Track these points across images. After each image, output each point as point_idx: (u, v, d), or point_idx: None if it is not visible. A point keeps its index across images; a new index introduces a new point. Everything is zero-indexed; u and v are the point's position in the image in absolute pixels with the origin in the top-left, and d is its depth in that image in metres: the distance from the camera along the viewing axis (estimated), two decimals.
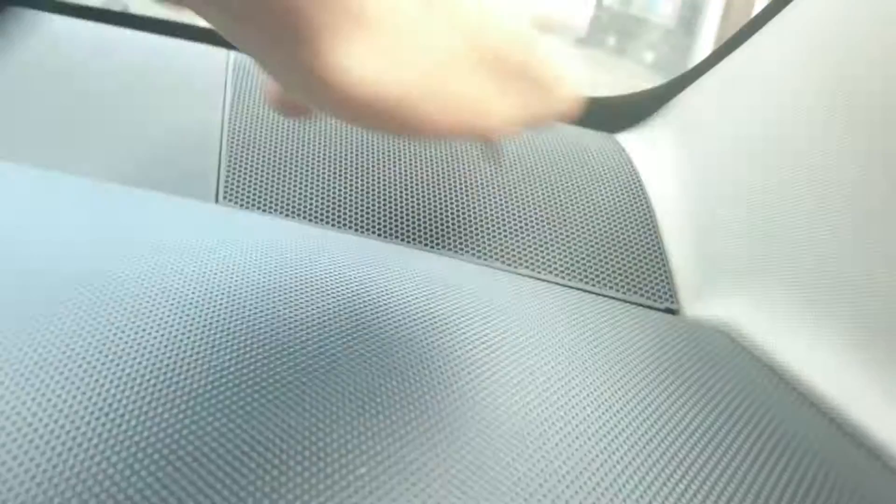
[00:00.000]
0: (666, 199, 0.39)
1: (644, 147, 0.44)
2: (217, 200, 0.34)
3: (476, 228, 0.37)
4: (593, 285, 0.36)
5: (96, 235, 0.25)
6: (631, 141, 0.45)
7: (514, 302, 0.29)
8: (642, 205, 0.39)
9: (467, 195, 0.38)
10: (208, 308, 0.22)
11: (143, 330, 0.20)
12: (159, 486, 0.15)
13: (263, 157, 0.36)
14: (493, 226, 0.37)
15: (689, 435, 0.22)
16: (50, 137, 0.34)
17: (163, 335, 0.20)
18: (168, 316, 0.21)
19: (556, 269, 0.36)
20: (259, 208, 0.34)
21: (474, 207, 0.38)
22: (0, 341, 0.18)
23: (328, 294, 0.25)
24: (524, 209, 0.38)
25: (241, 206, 0.34)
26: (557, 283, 0.35)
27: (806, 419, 0.25)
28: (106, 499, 0.15)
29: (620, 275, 0.36)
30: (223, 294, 0.23)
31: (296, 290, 0.25)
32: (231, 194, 0.35)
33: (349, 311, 0.24)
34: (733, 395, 0.25)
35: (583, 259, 0.37)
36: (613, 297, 0.35)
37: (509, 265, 0.36)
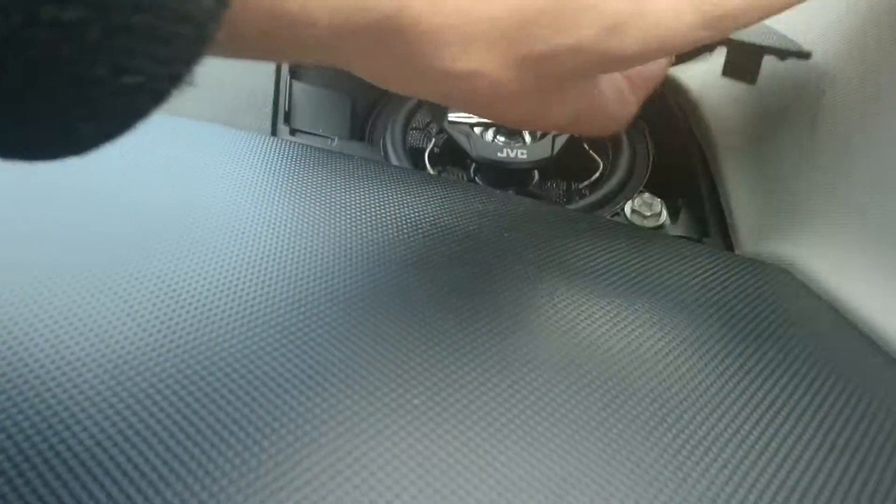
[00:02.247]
0: (727, 132, 0.38)
1: (702, 76, 0.42)
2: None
3: None
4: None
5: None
6: (688, 73, 0.44)
7: (571, 239, 0.29)
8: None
9: None
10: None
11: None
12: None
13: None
14: None
15: (745, 372, 0.23)
16: None
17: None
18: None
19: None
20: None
21: None
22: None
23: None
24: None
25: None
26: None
27: (875, 364, 0.25)
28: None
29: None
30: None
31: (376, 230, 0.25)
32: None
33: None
34: (795, 337, 0.26)
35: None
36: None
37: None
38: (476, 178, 0.42)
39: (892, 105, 0.28)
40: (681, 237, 0.36)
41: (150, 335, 0.19)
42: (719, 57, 0.42)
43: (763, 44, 0.32)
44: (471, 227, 0.27)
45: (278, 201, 0.26)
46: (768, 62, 0.38)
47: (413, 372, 0.19)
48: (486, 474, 0.16)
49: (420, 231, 0.26)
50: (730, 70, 0.33)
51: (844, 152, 0.30)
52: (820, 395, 0.23)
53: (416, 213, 0.27)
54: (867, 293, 0.27)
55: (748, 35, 0.32)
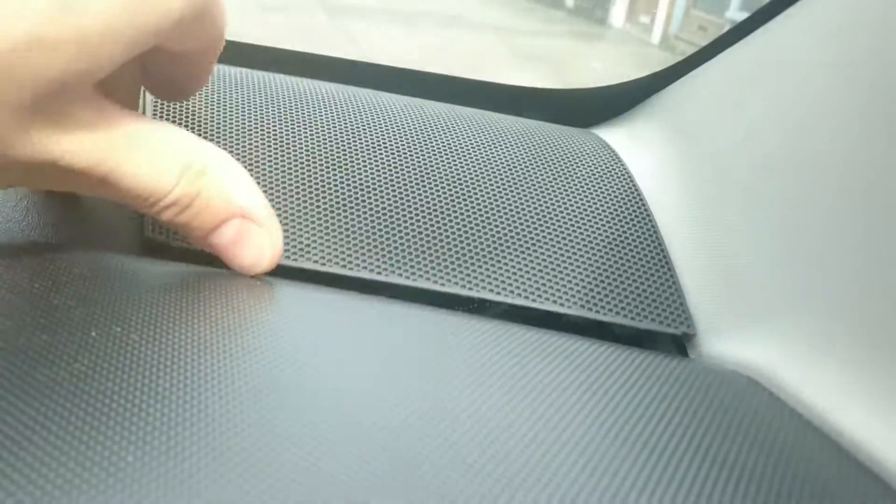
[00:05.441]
0: (666, 210, 0.35)
1: (627, 143, 0.39)
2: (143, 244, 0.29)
3: (457, 253, 0.32)
4: (595, 310, 0.31)
5: None
6: (610, 136, 0.40)
7: (507, 360, 0.24)
8: (643, 216, 0.35)
9: (440, 216, 0.33)
10: None
11: None
12: None
13: None
14: (474, 248, 0.32)
15: None
16: None
17: None
18: None
19: (552, 295, 0.32)
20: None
21: (451, 229, 0.32)
22: None
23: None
24: (507, 226, 0.33)
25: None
26: (556, 311, 0.31)
27: (868, 492, 0.22)
28: None
29: (624, 297, 0.32)
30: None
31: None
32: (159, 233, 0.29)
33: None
34: (773, 460, 0.22)
35: (581, 281, 0.32)
36: (618, 323, 0.31)
37: (499, 294, 0.31)
38: None
39: (862, 194, 0.25)
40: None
41: None
42: (645, 116, 0.39)
43: None
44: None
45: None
46: (703, 138, 0.35)
47: None
48: None
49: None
50: None
51: (818, 235, 0.26)
52: None
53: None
54: (853, 410, 0.24)
55: None
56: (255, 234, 0.21)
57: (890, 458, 0.23)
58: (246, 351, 0.21)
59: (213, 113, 0.34)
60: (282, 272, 0.27)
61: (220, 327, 0.23)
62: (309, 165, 0.33)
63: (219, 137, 0.33)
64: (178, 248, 0.29)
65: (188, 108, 0.33)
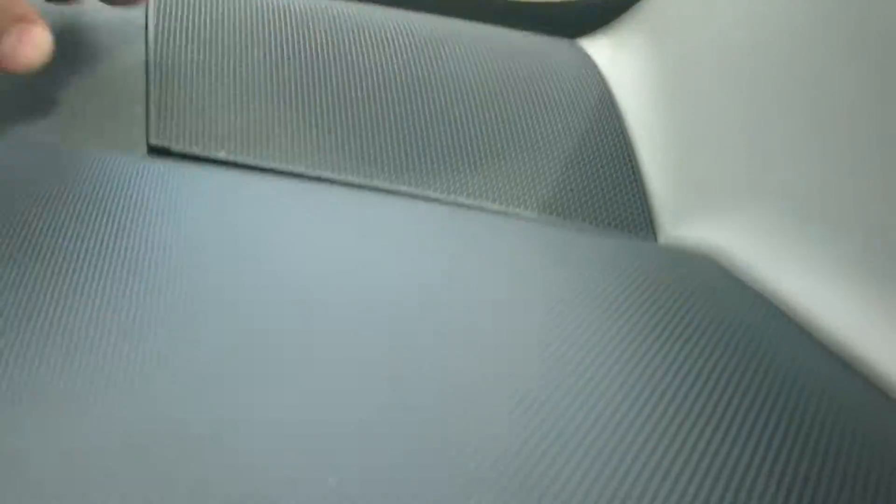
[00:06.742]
0: (639, 114, 0.36)
1: (610, 54, 0.40)
2: (148, 150, 0.31)
3: (435, 159, 0.34)
4: (561, 215, 0.33)
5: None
6: (595, 47, 0.42)
7: (486, 242, 0.26)
8: (614, 122, 0.36)
9: (422, 123, 0.34)
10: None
11: None
12: None
13: (194, 100, 0.32)
14: (452, 155, 0.34)
15: (682, 374, 0.20)
16: None
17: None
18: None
19: (519, 199, 0.33)
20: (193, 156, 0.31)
21: (431, 136, 0.34)
22: None
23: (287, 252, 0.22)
24: (485, 135, 0.35)
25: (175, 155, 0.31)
26: (521, 216, 0.33)
27: (806, 352, 0.24)
28: None
29: (591, 202, 0.34)
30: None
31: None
32: (163, 138, 0.31)
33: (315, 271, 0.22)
34: (725, 328, 0.24)
35: (548, 186, 0.34)
36: (583, 228, 0.33)
37: (474, 199, 0.33)
38: None
39: (815, 95, 0.26)
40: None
41: None
42: (630, 25, 0.40)
43: None
44: None
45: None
46: (678, 43, 0.36)
47: None
48: None
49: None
50: None
51: (766, 138, 0.28)
52: (754, 383, 0.21)
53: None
54: (797, 280, 0.26)
55: None
56: (35, 33, 0.22)
57: (828, 322, 0.25)
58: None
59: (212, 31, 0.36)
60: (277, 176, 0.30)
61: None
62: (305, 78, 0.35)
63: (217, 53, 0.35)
64: (178, 153, 0.32)
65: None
